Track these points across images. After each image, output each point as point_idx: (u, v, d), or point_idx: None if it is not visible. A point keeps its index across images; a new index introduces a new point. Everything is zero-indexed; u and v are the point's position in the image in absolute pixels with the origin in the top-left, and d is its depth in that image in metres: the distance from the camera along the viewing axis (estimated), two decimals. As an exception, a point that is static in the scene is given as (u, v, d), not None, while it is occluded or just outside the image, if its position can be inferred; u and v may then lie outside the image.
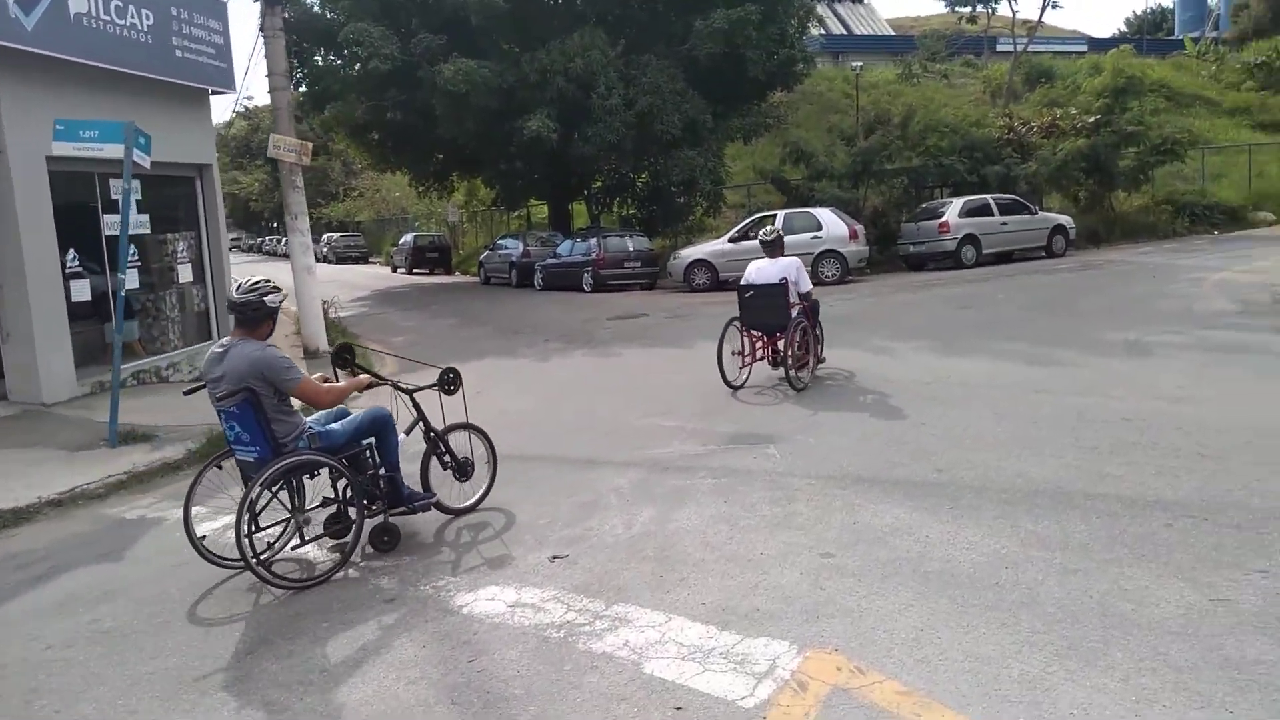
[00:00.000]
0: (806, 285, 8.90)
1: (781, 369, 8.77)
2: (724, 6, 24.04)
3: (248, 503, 4.56)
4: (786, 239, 19.11)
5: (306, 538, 5.00)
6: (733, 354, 8.75)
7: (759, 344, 8.96)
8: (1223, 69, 43.19)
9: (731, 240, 20.64)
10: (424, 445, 5.56)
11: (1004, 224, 21.57)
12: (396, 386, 5.38)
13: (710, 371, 8.91)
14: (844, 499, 5.55)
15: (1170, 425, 6.64)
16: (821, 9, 61.78)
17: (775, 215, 20.71)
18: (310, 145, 13.94)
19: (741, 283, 9.03)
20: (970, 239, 21.04)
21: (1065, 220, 22.74)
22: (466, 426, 5.73)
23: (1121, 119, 24.40)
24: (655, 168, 26.50)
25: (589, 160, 24.82)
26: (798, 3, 27.87)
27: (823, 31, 53.48)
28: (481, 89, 23.36)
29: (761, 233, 9.37)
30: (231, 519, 4.68)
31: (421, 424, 5.45)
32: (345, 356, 5.44)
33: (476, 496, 5.74)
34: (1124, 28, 62.97)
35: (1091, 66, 34.62)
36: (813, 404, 8.22)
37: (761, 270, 8.95)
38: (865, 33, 58.71)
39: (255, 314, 4.71)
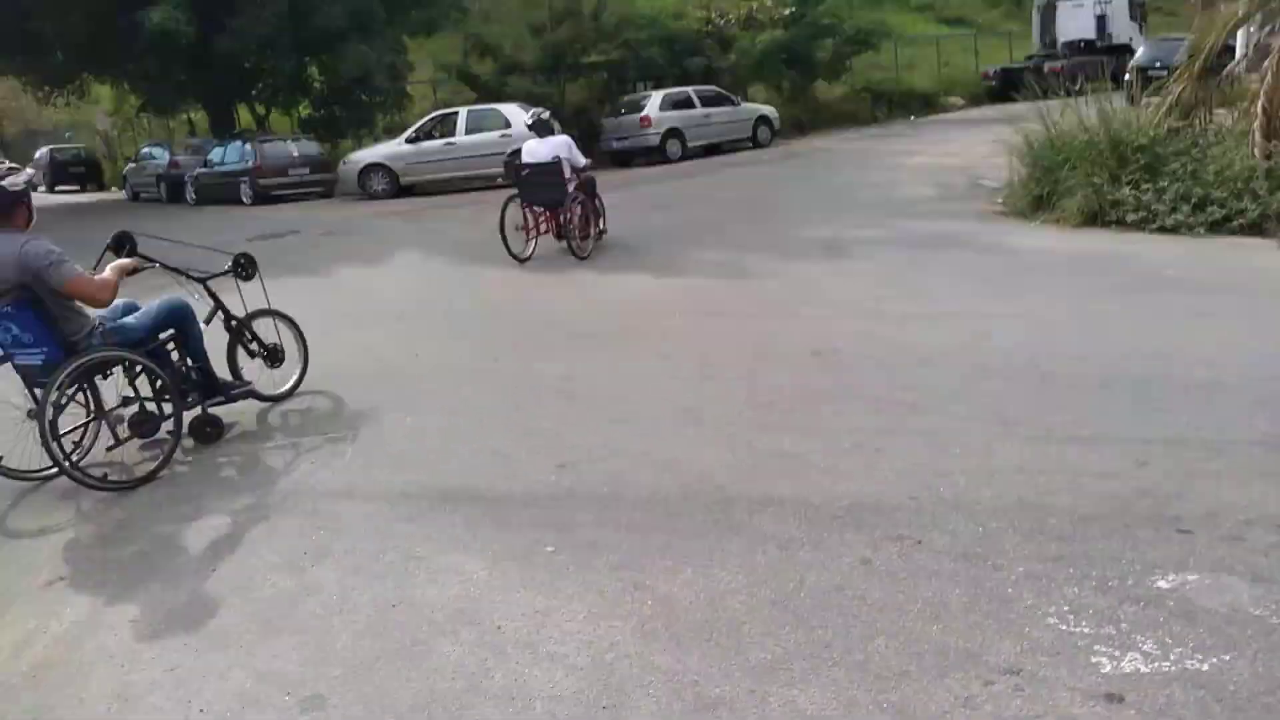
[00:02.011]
0: (580, 161, 9.22)
1: (565, 241, 9.07)
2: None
3: (49, 404, 4.05)
4: (469, 138, 17.37)
5: (121, 437, 4.52)
6: (516, 229, 8.98)
7: (541, 219, 9.20)
8: (910, -35, 44.56)
9: (410, 141, 17.78)
10: (227, 336, 5.18)
11: (707, 116, 20.19)
12: (186, 275, 4.94)
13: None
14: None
15: (866, 359, 5.07)
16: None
17: (457, 112, 18.08)
18: None
19: (519, 161, 9.29)
20: (674, 132, 19.48)
21: (769, 111, 21.77)
22: (270, 313, 5.35)
23: (815, 11, 23.68)
24: (324, 65, 22.90)
25: (238, 58, 20.80)
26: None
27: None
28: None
29: (529, 115, 9.91)
30: (17, 431, 4.32)
31: (221, 312, 5.10)
32: (125, 245, 4.71)
33: (292, 381, 5.41)
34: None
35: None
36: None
37: (534, 150, 9.18)
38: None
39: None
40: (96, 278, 4.34)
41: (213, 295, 5.06)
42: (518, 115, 17.33)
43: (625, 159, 20.22)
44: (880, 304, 6.21)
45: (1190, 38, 10.23)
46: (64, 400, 4.28)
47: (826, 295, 6.60)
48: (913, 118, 25.66)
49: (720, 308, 6.53)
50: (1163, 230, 7.75)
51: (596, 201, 9.47)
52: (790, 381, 4.80)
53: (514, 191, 9.25)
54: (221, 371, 5.00)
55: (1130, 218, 8.01)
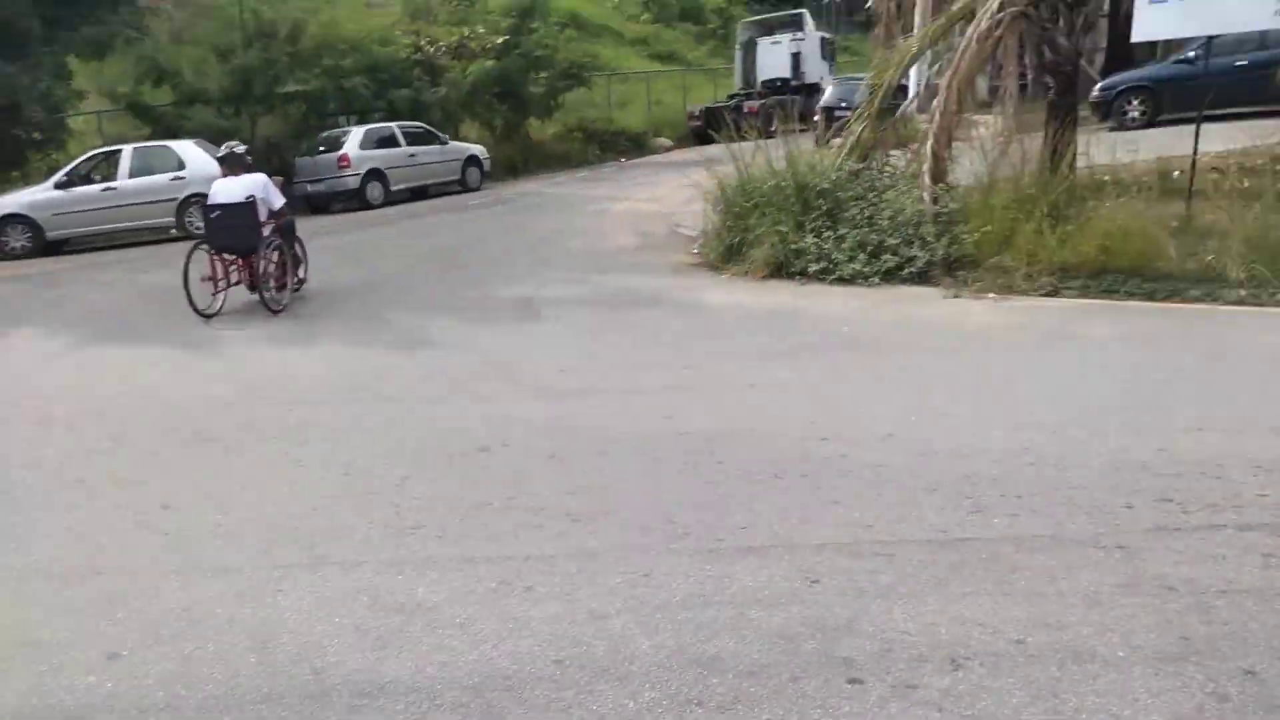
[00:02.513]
0: (279, 201, 8.45)
1: (258, 292, 8.31)
2: None
3: None
4: (134, 182, 15.31)
5: None
6: (203, 280, 8.13)
7: (232, 268, 8.41)
8: (624, 1, 46.04)
9: (60, 186, 15.33)
10: None
11: (413, 156, 19.24)
12: None
13: None
14: None
15: (538, 453, 4.49)
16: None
17: (120, 150, 15.91)
18: None
19: (207, 203, 8.46)
20: (376, 174, 18.35)
21: (478, 150, 21.17)
22: None
23: (529, 40, 23.41)
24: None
25: None
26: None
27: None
28: None
29: (223, 149, 8.77)
30: None
31: None
32: None
33: None
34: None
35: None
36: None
37: (226, 188, 8.30)
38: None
39: None
40: None
41: None
42: (195, 154, 15.63)
43: (322, 204, 18.76)
44: (565, 377, 5.71)
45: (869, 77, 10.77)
46: None
47: (510, 369, 5.99)
48: (623, 160, 26.08)
49: (391, 388, 5.74)
50: (841, 280, 7.89)
51: (296, 247, 8.84)
52: (445, 491, 4.11)
53: (201, 238, 8.50)
54: None
55: (812, 268, 8.11)
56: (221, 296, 8.38)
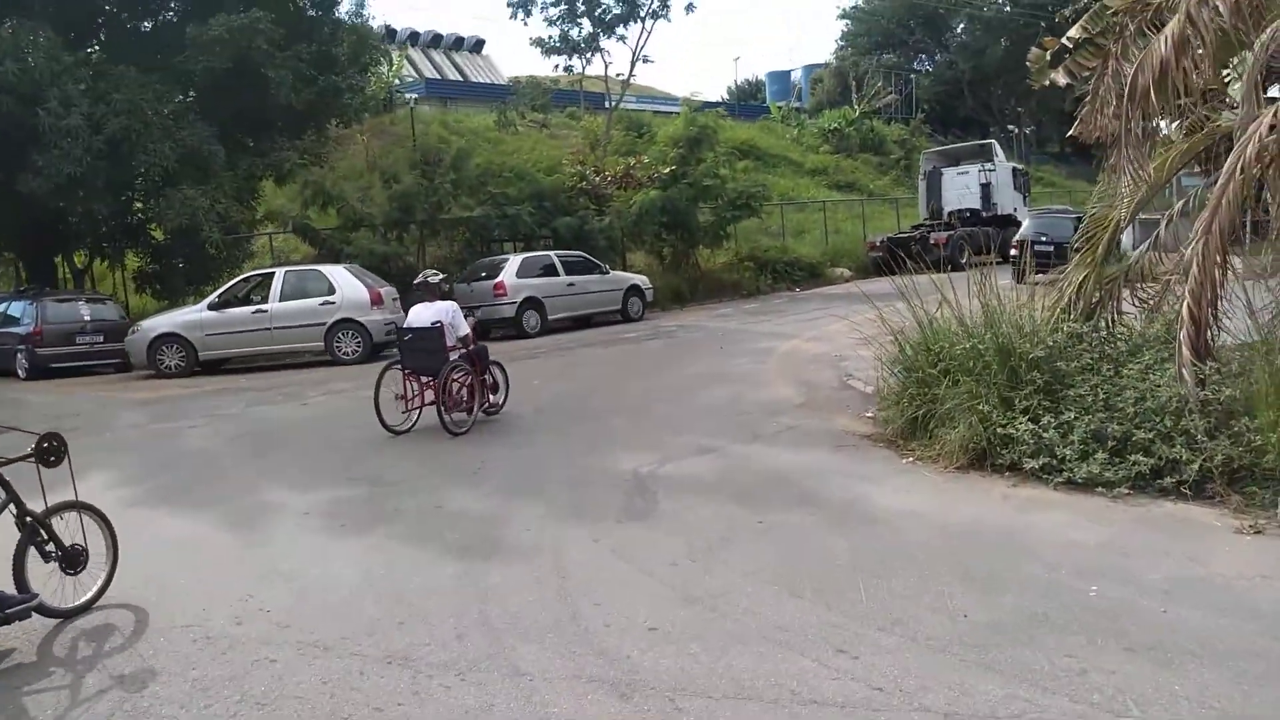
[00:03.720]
0: (464, 329, 8.73)
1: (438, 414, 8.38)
2: (229, 11, 18.86)
3: None
4: (285, 306, 14.98)
5: None
6: (396, 398, 8.48)
7: (426, 387, 8.63)
8: (803, 133, 45.57)
9: (213, 307, 15.23)
10: (17, 534, 4.30)
11: (571, 285, 18.32)
12: None
13: None
14: None
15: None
16: (438, 56, 58.75)
17: (273, 273, 15.75)
18: None
19: (401, 326, 9.16)
20: (532, 302, 17.49)
21: (640, 280, 20.10)
22: (76, 505, 4.58)
23: (696, 171, 22.54)
24: (146, 210, 20.53)
25: (41, 198, 18.21)
26: (349, 27, 23.60)
27: (414, 75, 49.84)
28: None
29: (419, 277, 9.26)
30: None
31: (13, 506, 4.26)
32: None
33: (93, 591, 4.52)
34: (726, 96, 66.41)
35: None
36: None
37: (418, 313, 8.82)
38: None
39: None
40: None
41: (5, 485, 4.27)
42: (345, 280, 15.19)
43: (478, 332, 18.00)
44: (653, 649, 3.75)
45: (1087, 210, 8.74)
46: None
47: (579, 615, 4.12)
48: (797, 290, 24.51)
49: (402, 638, 4.04)
50: (1070, 484, 5.74)
51: (490, 373, 9.01)
52: None
53: (395, 358, 8.86)
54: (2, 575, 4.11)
55: (1028, 463, 5.99)
56: (415, 414, 8.62)
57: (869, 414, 8.28)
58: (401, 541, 5.39)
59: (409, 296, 18.76)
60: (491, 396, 9.05)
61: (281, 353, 15.40)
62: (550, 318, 17.82)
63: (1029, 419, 6.21)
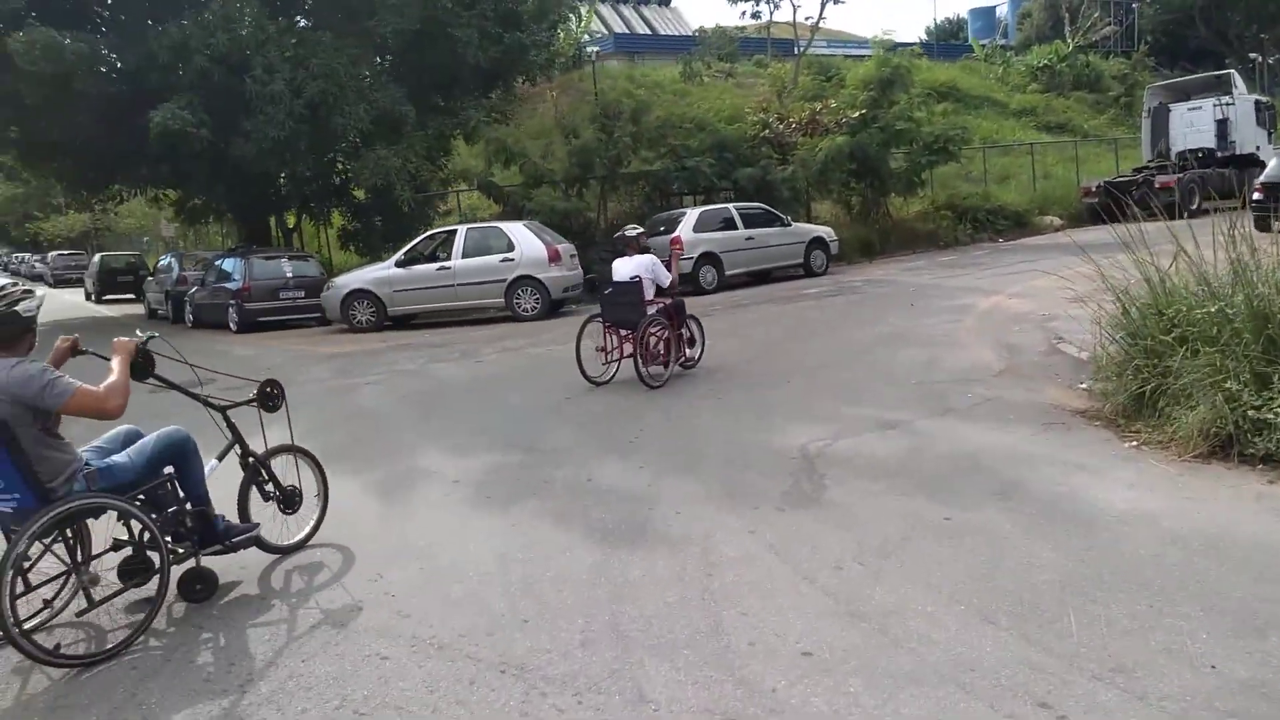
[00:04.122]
0: (665, 279, 8.74)
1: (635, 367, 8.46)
2: (415, -28, 19.14)
3: (11, 561, 3.45)
4: (467, 263, 15.12)
5: (96, 598, 3.83)
6: (596, 350, 8.62)
7: (625, 340, 8.70)
8: (1009, 72, 42.17)
9: (399, 264, 15.57)
10: (240, 473, 4.58)
11: (750, 239, 17.55)
12: (206, 402, 4.45)
13: None
14: None
15: None
16: (627, 10, 58.61)
17: (456, 230, 15.93)
18: None
19: (607, 280, 9.06)
20: (709, 258, 16.89)
21: (824, 232, 19.02)
22: (292, 449, 4.85)
23: (888, 114, 21.05)
24: (346, 171, 21.41)
25: (254, 162, 19.29)
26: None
27: (603, 30, 49.75)
28: (84, 70, 17.57)
29: (619, 232, 9.29)
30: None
31: (238, 447, 4.57)
32: (142, 366, 4.17)
33: (305, 531, 4.83)
34: (925, 36, 62.58)
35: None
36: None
37: (619, 267, 8.83)
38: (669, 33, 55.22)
39: (6, 328, 3.69)
40: (102, 386, 3.81)
41: (232, 427, 4.58)
42: (525, 237, 15.15)
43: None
44: (801, 685, 3.18)
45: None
46: (38, 551, 3.71)
47: (715, 631, 3.50)
48: (1000, 240, 22.62)
49: (526, 653, 3.61)
50: (1354, 484, 4.61)
51: (688, 327, 8.97)
52: None
53: (596, 310, 8.94)
54: (227, 510, 4.45)
55: (1293, 456, 4.89)
56: (615, 366, 8.73)
57: (1083, 385, 7.20)
58: (545, 519, 5.00)
59: (588, 252, 18.74)
60: (688, 350, 9.01)
61: (465, 309, 15.59)
62: (728, 273, 17.19)
63: (1294, 401, 5.06)
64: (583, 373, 8.56)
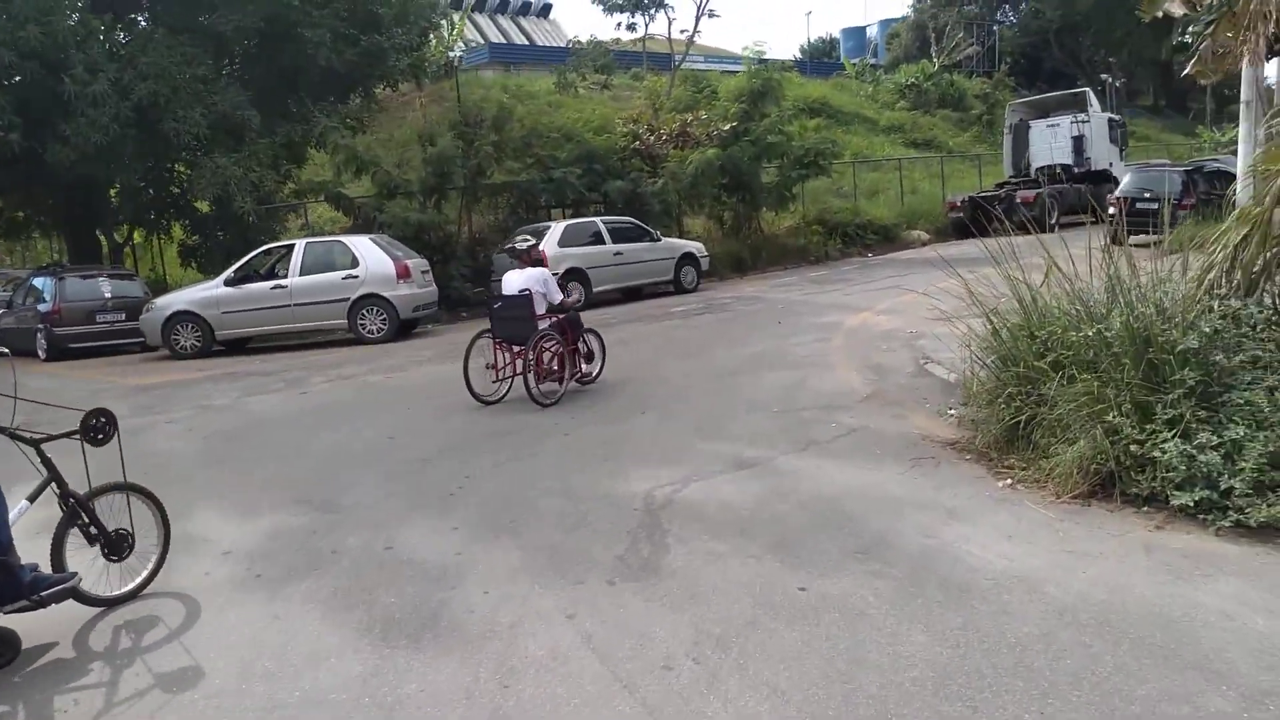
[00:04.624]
0: (556, 296, 8.45)
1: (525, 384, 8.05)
2: (255, -35, 17.69)
3: None
4: (305, 280, 13.80)
5: None
6: (486, 367, 8.27)
7: (517, 356, 8.31)
8: (878, 90, 43.03)
9: (229, 283, 14.12)
10: (58, 514, 4.11)
11: (619, 254, 16.81)
12: (15, 435, 3.95)
13: None
14: None
15: None
16: (505, 21, 57.44)
17: (293, 245, 14.60)
18: None
19: (492, 294, 9.18)
20: (575, 274, 16.04)
21: (694, 247, 18.46)
22: (124, 487, 4.38)
23: (760, 126, 20.72)
24: (181, 179, 19.67)
25: (70, 169, 17.37)
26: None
27: (479, 40, 48.59)
28: None
29: (508, 243, 9.39)
30: None
31: (55, 485, 4.05)
32: None
33: (140, 579, 4.33)
34: (799, 54, 63.55)
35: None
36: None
37: (509, 280, 8.49)
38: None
39: None
40: None
41: (47, 463, 4.02)
42: (370, 252, 13.97)
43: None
44: None
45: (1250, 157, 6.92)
46: None
47: None
48: (869, 255, 22.62)
49: None
50: (1242, 528, 4.11)
51: (585, 341, 8.79)
52: None
53: (486, 326, 8.50)
54: (37, 557, 3.89)
55: (1178, 498, 4.35)
56: (506, 385, 8.34)
57: (952, 410, 6.67)
58: (317, 608, 4.02)
59: (448, 267, 17.64)
60: (584, 366, 8.75)
61: (304, 330, 14.29)
62: (595, 289, 16.38)
63: (1177, 434, 4.55)
64: (470, 391, 8.16)
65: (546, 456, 6.40)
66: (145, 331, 14.24)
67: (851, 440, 6.26)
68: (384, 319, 13.95)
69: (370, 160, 17.40)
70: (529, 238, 9.21)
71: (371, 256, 14.02)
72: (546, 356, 8.27)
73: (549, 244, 16.12)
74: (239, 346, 14.52)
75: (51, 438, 4.10)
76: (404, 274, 14.06)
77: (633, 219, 17.95)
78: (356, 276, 13.90)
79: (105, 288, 15.64)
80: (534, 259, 8.63)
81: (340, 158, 17.46)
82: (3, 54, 16.31)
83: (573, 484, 5.64)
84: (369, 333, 13.89)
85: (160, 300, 14.43)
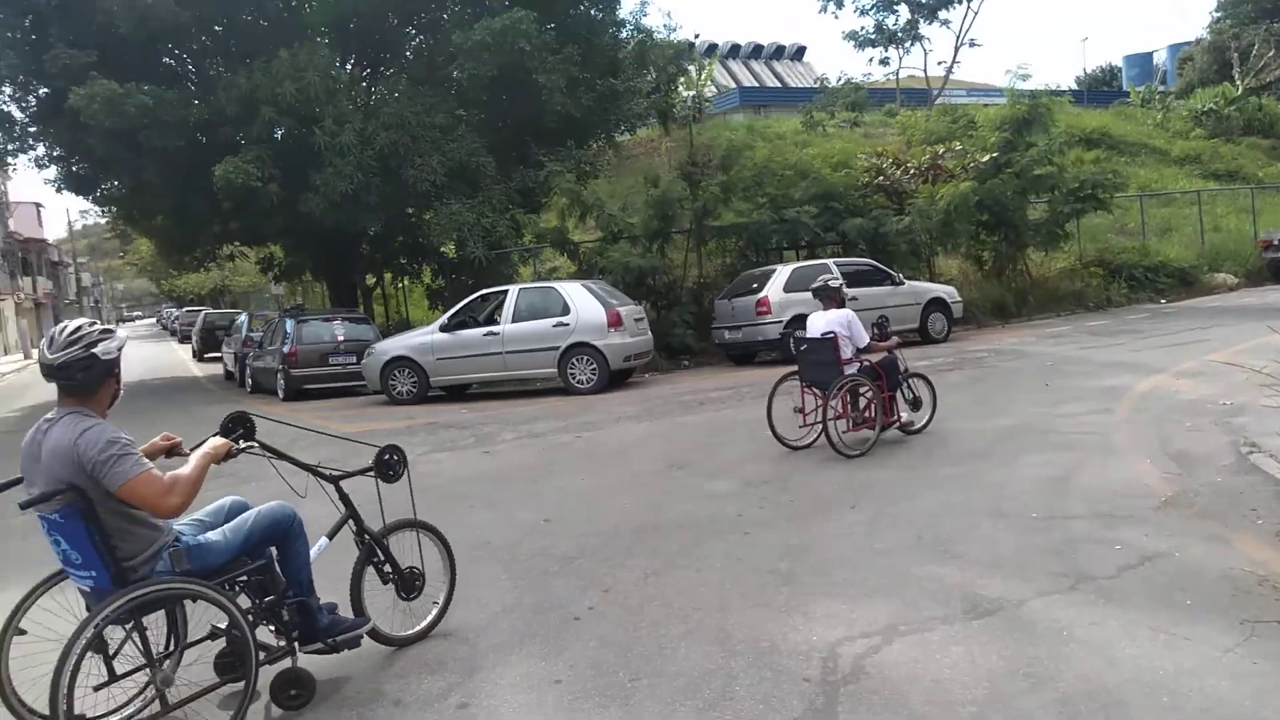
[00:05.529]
0: (863, 339, 7.86)
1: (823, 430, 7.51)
2: (491, 15, 17.83)
3: (71, 650, 2.91)
4: (517, 327, 13.24)
5: (170, 701, 3.25)
6: (794, 410, 7.84)
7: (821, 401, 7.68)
8: (1169, 117, 38.11)
9: (445, 329, 13.86)
10: (355, 552, 4.05)
11: (852, 300, 14.99)
12: (315, 472, 3.93)
13: None
14: None
15: None
16: (758, 65, 57.39)
17: (505, 291, 14.10)
18: None
19: (796, 335, 8.37)
20: (800, 322, 14.46)
21: (945, 292, 16.30)
22: (414, 524, 4.33)
23: (1024, 156, 18.21)
24: (423, 225, 20.15)
25: (320, 217, 18.18)
26: (633, 28, 22.20)
27: (731, 84, 48.42)
28: (150, 123, 16.91)
29: (816, 282, 8.40)
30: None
31: (352, 523, 4.03)
32: (239, 428, 3.66)
33: (429, 619, 4.28)
34: (1075, 85, 58.26)
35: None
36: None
37: (813, 322, 8.15)
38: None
39: (85, 374, 3.17)
40: (168, 475, 3.18)
41: (346, 500, 3.99)
42: (582, 299, 13.22)
43: (743, 355, 15.61)
44: None
45: None
46: (100, 643, 3.12)
47: None
48: (1162, 300, 19.27)
49: None
50: None
51: (910, 387, 8.23)
52: None
53: (792, 369, 8.11)
54: (337, 596, 3.87)
55: None
56: (816, 430, 7.75)
57: (1304, 539, 4.55)
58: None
59: (671, 314, 16.70)
60: (904, 415, 8.05)
61: (515, 379, 13.75)
62: (826, 340, 14.72)
63: None
64: (774, 435, 7.88)
65: (710, 569, 4.95)
66: (366, 376, 14.29)
67: (1145, 576, 4.34)
68: (593, 369, 13.12)
69: (594, 204, 16.79)
70: (837, 277, 9.04)
71: (583, 303, 13.25)
72: (862, 403, 7.76)
73: (773, 289, 14.80)
74: (459, 393, 14.22)
75: (349, 475, 4.04)
76: (615, 322, 13.15)
77: (871, 260, 16.15)
78: (567, 325, 13.18)
79: (339, 331, 16.03)
80: (840, 300, 8.14)
81: (563, 202, 17.02)
82: (266, 111, 17.43)
83: (730, 621, 4.16)
84: (578, 383, 13.10)
85: (380, 345, 14.44)
